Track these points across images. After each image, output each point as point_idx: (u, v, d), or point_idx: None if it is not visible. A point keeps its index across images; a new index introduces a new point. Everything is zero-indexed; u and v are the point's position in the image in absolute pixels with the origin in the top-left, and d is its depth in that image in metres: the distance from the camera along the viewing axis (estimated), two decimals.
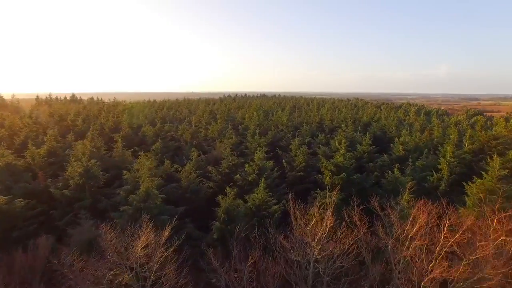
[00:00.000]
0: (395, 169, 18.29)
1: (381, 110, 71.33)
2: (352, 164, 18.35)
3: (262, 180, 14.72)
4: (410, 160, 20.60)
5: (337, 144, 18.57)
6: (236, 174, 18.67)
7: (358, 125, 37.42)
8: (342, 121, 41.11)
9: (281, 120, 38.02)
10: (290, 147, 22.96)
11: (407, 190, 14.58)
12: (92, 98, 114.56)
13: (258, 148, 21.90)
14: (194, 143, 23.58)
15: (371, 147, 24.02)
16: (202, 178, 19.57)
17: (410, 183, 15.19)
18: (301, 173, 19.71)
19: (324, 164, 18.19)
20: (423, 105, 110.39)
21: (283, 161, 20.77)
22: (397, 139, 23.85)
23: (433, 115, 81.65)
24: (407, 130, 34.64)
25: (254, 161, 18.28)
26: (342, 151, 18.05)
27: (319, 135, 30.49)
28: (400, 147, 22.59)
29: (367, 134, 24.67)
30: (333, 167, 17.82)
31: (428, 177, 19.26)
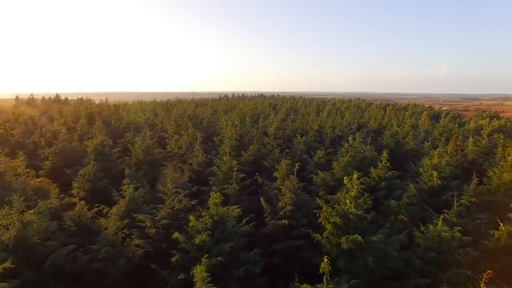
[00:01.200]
0: (439, 222, 11.17)
1: (386, 112, 64.23)
2: (369, 213, 11.25)
3: (198, 270, 7.59)
4: (454, 197, 13.51)
5: (346, 181, 11.40)
6: (187, 226, 11.62)
7: (365, 133, 30.37)
8: (346, 127, 34.03)
9: (270, 127, 30.93)
10: (274, 174, 15.82)
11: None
12: (81, 99, 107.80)
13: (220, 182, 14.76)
14: (126, 169, 16.39)
15: (389, 172, 16.90)
16: (132, 231, 12.50)
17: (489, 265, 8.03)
18: (286, 220, 12.58)
19: (324, 213, 11.09)
20: (431, 106, 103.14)
21: (261, 200, 13.63)
22: (427, 161, 16.71)
23: (443, 117, 74.50)
24: (427, 141, 27.67)
25: (211, 208, 11.14)
26: (353, 192, 10.93)
27: (318, 149, 23.42)
28: (434, 174, 15.47)
29: (384, 152, 17.53)
30: (338, 220, 10.73)
31: (490, 231, 12.13)
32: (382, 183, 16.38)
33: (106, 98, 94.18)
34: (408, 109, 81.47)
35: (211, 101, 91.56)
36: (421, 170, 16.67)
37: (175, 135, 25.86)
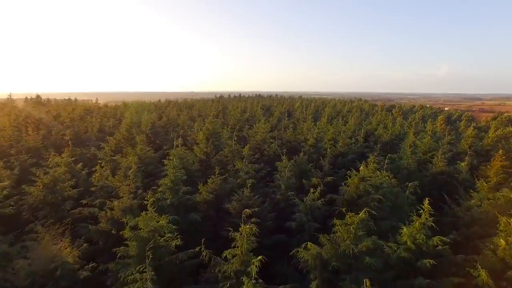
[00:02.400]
0: None
1: (393, 115, 56.88)
2: None
3: None
4: None
5: None
6: None
7: (378, 149, 23.11)
8: (351, 138, 26.60)
9: (252, 139, 23.62)
10: (224, 254, 8.42)
11: None
12: (69, 99, 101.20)
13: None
14: None
15: (436, 237, 9.56)
16: None
17: None
18: None
19: None
20: (440, 108, 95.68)
21: None
22: (505, 222, 9.36)
23: (454, 120, 67.01)
24: (462, 161, 20.40)
25: None
26: None
27: (312, 176, 16.19)
28: None
29: (425, 200, 10.22)
30: None
31: None
32: (424, 262, 9.07)
33: (97, 98, 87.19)
34: (415, 111, 73.89)
35: (201, 102, 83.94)
36: (496, 241, 9.22)
37: (113, 156, 18.44)
